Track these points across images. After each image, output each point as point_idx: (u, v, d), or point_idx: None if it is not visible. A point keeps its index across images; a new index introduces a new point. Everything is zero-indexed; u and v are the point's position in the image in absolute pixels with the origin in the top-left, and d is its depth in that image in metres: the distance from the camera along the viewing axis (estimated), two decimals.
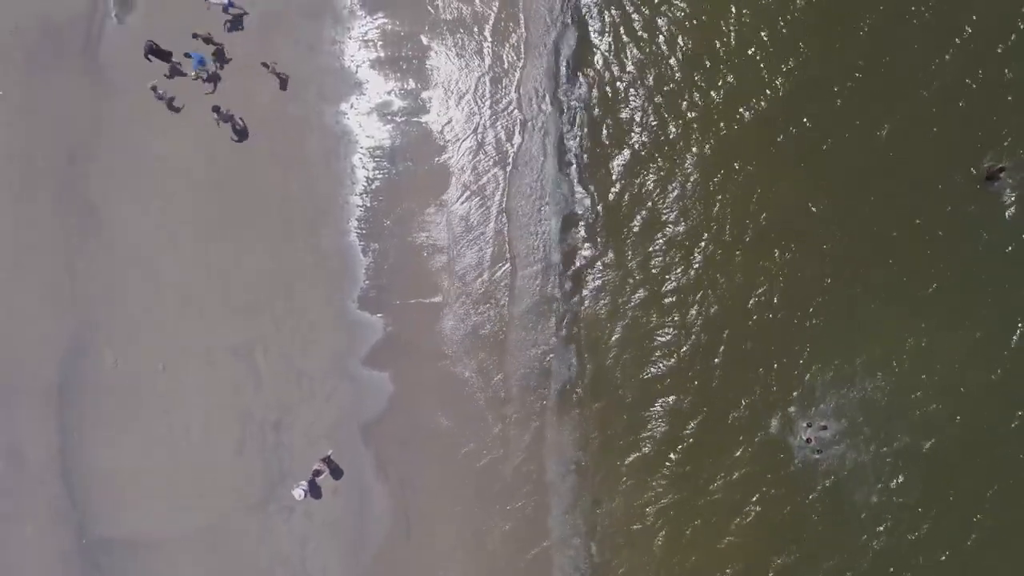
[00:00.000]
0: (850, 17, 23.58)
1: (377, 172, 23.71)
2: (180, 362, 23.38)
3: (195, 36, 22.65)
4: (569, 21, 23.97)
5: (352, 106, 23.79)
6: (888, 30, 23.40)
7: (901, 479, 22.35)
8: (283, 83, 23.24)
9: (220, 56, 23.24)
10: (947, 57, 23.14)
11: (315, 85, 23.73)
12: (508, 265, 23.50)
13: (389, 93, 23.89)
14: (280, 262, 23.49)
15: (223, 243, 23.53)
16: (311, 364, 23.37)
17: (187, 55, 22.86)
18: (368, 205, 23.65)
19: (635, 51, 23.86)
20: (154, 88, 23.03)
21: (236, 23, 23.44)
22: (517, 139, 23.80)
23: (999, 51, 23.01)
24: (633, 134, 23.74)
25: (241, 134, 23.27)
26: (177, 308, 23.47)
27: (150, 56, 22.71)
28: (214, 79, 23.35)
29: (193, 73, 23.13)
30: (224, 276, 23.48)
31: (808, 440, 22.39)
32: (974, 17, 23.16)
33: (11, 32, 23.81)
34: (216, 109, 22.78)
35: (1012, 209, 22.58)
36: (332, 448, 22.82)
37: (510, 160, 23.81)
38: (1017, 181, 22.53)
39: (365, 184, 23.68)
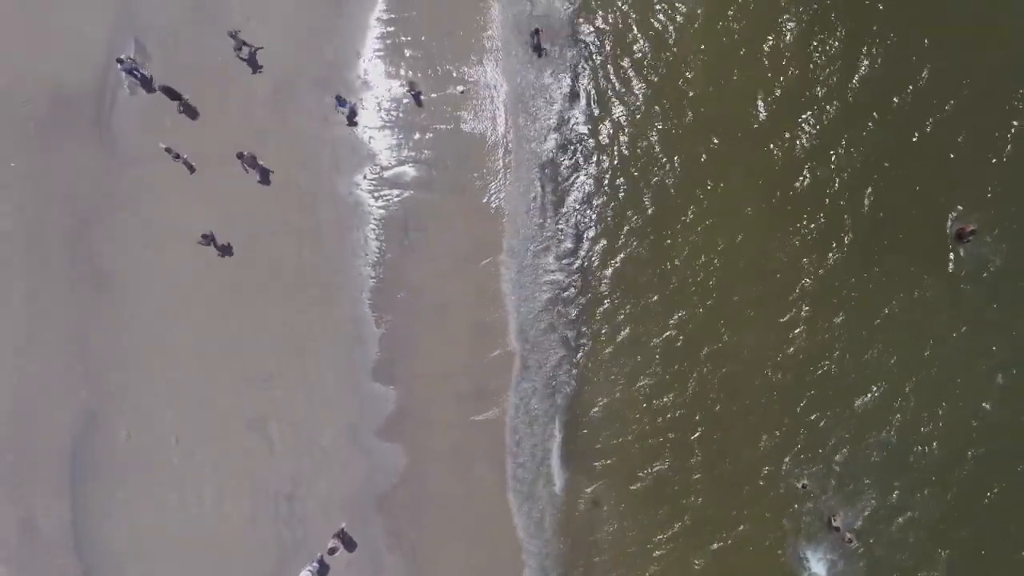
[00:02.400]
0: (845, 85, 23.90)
1: (390, 243, 23.69)
2: (193, 434, 23.33)
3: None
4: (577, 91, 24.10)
5: (365, 177, 23.78)
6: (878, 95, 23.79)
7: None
8: (264, 176, 23.39)
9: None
10: (929, 123, 23.59)
11: (328, 156, 23.71)
12: (520, 335, 23.50)
13: (402, 163, 23.87)
14: (294, 333, 23.46)
15: (236, 315, 23.48)
16: (325, 436, 23.35)
17: (338, 98, 23.18)
18: (381, 276, 23.63)
19: (628, 118, 24.06)
20: (168, 150, 23.05)
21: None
22: (531, 210, 23.80)
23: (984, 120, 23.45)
24: (630, 207, 23.94)
25: (265, 176, 23.36)
26: (190, 380, 23.41)
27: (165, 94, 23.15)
28: (352, 116, 23.53)
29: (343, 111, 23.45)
30: (237, 348, 23.44)
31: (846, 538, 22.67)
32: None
33: (23, 102, 23.72)
34: (240, 156, 22.85)
35: (982, 265, 23.01)
36: (345, 521, 22.80)
37: (520, 229, 23.80)
38: (986, 241, 22.95)
39: (378, 255, 23.67)
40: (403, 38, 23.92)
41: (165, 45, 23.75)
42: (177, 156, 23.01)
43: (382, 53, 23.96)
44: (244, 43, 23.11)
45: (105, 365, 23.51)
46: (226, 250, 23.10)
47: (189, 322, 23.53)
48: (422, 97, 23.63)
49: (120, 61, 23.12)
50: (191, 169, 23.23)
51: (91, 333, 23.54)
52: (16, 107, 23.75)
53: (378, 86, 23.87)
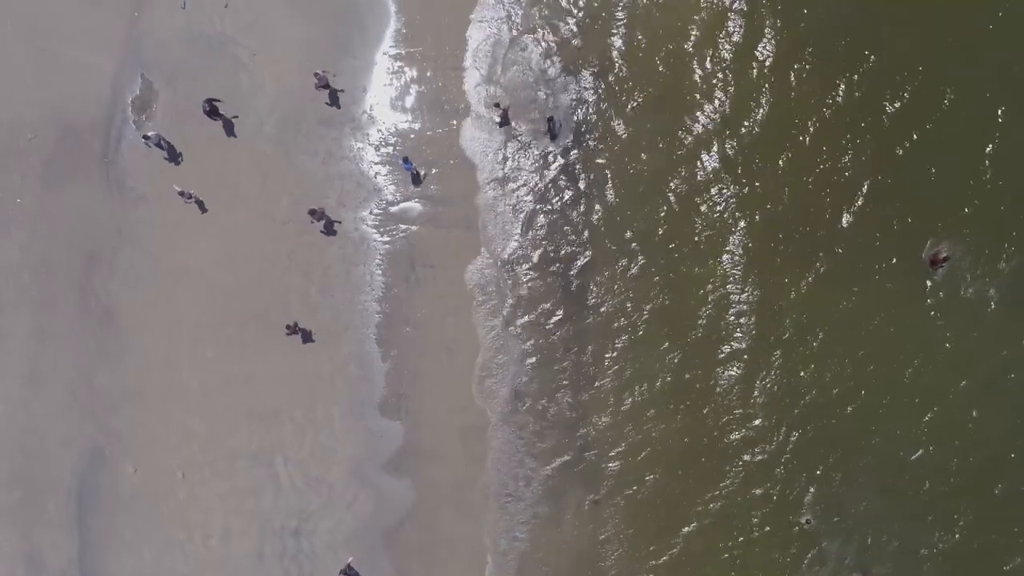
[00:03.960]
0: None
1: (396, 278, 23.70)
2: (199, 469, 23.42)
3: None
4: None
5: (371, 212, 23.78)
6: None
7: None
8: (329, 228, 23.49)
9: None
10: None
11: (334, 191, 23.71)
12: (526, 378, 23.53)
13: (408, 199, 23.85)
14: (300, 369, 23.51)
15: (243, 350, 23.54)
16: (331, 471, 23.42)
17: (406, 161, 23.14)
18: (387, 311, 23.65)
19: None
20: (182, 193, 23.07)
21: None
22: (538, 249, 23.80)
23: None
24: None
25: (329, 228, 23.42)
26: (196, 415, 23.51)
27: (209, 115, 22.97)
28: (417, 177, 23.60)
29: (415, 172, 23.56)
30: (244, 383, 23.51)
31: None
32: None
33: (29, 138, 23.73)
34: (312, 212, 22.83)
35: (951, 293, 22.62)
36: (352, 556, 22.83)
37: (528, 273, 23.76)
38: (959, 267, 22.61)
39: (384, 290, 23.69)
40: (410, 74, 23.90)
41: (171, 81, 23.73)
42: (189, 197, 23.02)
43: (388, 89, 23.88)
44: (328, 83, 23.09)
45: (112, 401, 23.60)
46: (308, 336, 23.19)
47: (195, 358, 23.61)
48: (509, 115, 23.54)
49: (146, 138, 23.16)
50: (203, 209, 23.28)
51: (98, 369, 23.63)
52: (22, 142, 23.77)
53: (384, 121, 23.84)
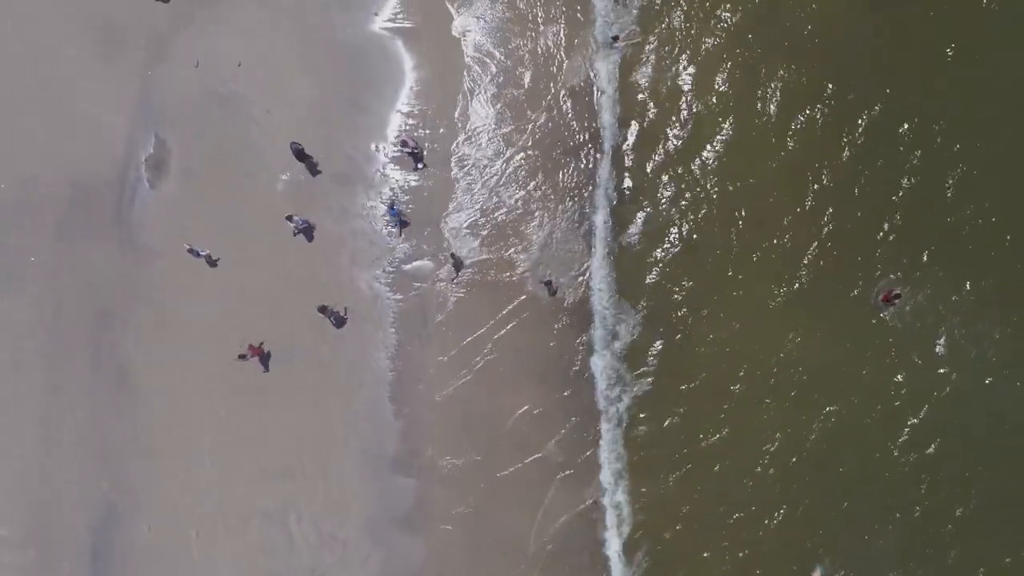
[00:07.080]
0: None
1: (409, 335, 23.75)
2: (214, 528, 23.46)
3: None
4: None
5: (383, 269, 23.83)
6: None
7: None
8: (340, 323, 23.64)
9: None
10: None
11: (347, 249, 23.77)
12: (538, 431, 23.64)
13: (421, 257, 23.91)
14: (313, 427, 23.56)
15: (256, 408, 23.59)
16: (344, 529, 23.45)
17: (391, 208, 23.29)
18: (400, 368, 23.70)
19: None
20: (191, 250, 23.15)
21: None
22: (546, 300, 23.89)
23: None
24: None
25: (340, 322, 23.53)
26: (210, 473, 23.54)
27: (298, 156, 23.16)
28: (403, 225, 23.71)
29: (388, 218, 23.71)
30: (257, 441, 23.55)
31: None
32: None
33: (42, 197, 23.80)
34: (322, 309, 23.02)
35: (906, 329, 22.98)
36: None
37: (536, 319, 23.85)
38: (910, 305, 23.03)
39: (397, 347, 23.74)
40: (423, 131, 23.95)
41: (184, 139, 23.81)
42: (198, 254, 23.09)
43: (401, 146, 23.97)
44: (412, 146, 23.47)
45: (125, 458, 23.66)
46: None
47: (208, 415, 23.64)
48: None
49: (289, 219, 23.13)
50: (212, 264, 23.34)
51: (111, 426, 23.69)
52: (36, 200, 23.83)
53: (397, 179, 23.89)
